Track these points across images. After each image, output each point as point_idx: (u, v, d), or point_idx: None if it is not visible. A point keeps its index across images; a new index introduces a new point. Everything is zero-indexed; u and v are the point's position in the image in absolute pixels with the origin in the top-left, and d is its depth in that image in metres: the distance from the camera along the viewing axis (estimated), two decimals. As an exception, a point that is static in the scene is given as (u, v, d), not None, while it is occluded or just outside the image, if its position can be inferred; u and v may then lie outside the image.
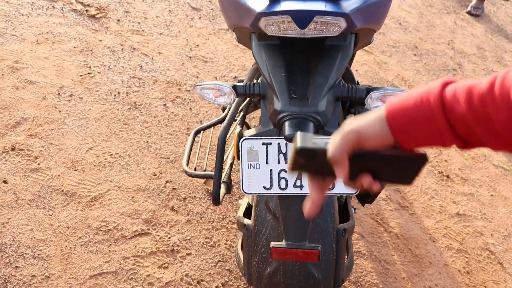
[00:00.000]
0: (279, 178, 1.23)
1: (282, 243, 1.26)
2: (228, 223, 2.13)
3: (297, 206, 1.26)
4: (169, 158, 2.37)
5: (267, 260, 1.38)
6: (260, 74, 1.52)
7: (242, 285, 1.91)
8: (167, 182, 2.24)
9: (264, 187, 1.23)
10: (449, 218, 2.42)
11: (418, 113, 0.67)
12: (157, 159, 2.35)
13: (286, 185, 1.22)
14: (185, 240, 2.02)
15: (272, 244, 1.26)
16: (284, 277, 1.36)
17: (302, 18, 1.21)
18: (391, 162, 0.71)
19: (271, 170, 1.22)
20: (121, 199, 2.11)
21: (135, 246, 1.95)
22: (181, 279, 1.88)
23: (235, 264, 1.98)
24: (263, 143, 1.21)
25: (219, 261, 1.97)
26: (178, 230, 2.05)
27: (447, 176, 2.66)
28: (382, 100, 1.29)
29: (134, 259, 1.90)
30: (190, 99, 2.73)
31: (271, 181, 1.23)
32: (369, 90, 1.30)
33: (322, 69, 1.26)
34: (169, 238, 2.01)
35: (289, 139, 1.15)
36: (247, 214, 1.51)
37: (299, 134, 0.71)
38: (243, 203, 1.56)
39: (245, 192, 1.24)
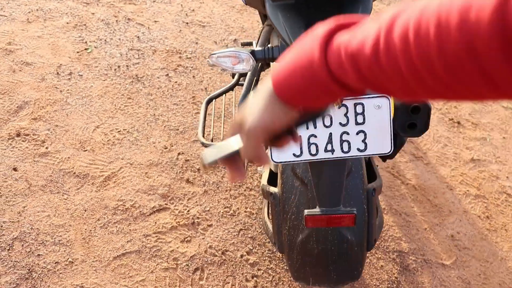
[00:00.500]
0: (309, 144, 1.18)
1: (317, 210, 1.23)
2: (245, 190, 2.11)
3: (329, 171, 1.22)
4: (178, 129, 2.32)
5: (298, 227, 1.36)
6: (269, 37, 1.46)
7: (266, 252, 1.91)
8: (179, 154, 2.21)
9: (294, 155, 1.18)
10: (464, 165, 2.40)
11: (304, 83, 0.62)
12: (166, 131, 2.30)
13: (317, 150, 1.18)
14: (205, 212, 2.00)
15: (306, 212, 1.23)
16: (317, 243, 1.34)
17: None
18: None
19: (300, 136, 1.17)
20: (135, 176, 2.08)
21: (155, 223, 1.93)
22: (205, 252, 1.87)
23: (257, 231, 1.97)
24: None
25: (241, 229, 1.96)
26: (196, 202, 2.03)
27: (458, 123, 2.63)
28: None
29: (156, 236, 1.89)
30: (192, 67, 2.66)
31: (301, 148, 1.18)
32: None
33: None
34: (188, 211, 1.99)
35: None
36: (271, 181, 1.48)
37: (204, 152, 0.74)
38: (265, 171, 1.53)
39: (274, 162, 1.20)
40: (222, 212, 2.01)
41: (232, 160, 0.73)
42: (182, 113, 2.40)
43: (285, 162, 1.20)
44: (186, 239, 1.90)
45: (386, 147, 1.16)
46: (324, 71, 0.58)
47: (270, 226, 1.51)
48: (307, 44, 0.62)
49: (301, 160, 1.19)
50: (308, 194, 1.32)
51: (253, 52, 1.27)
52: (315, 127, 1.17)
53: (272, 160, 1.20)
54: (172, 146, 2.24)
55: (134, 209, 1.96)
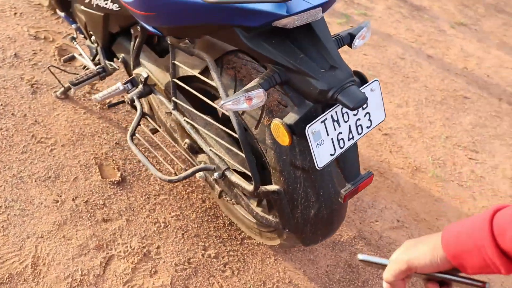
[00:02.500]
0: (338, 140, 1.42)
1: (350, 186, 1.44)
2: (155, 199, 2.18)
3: (349, 153, 1.45)
4: (49, 176, 2.12)
5: (309, 206, 1.59)
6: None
7: (216, 240, 2.11)
8: (73, 199, 2.07)
9: (331, 154, 1.38)
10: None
11: (468, 242, 0.68)
12: (40, 185, 2.08)
13: (344, 142, 1.40)
14: (143, 238, 2.02)
15: (343, 191, 1.43)
16: (327, 209, 1.63)
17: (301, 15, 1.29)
18: (450, 283, 0.77)
19: (332, 138, 1.37)
20: (57, 246, 1.91)
21: (116, 276, 1.89)
22: (176, 271, 1.95)
23: (194, 228, 2.12)
24: (321, 122, 1.33)
25: (182, 234, 2.08)
26: (129, 234, 2.02)
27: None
28: (362, 38, 1.47)
29: (128, 286, 1.88)
30: (2, 104, 2.31)
31: (334, 147, 1.39)
32: (351, 34, 1.45)
33: (324, 37, 1.34)
34: (131, 246, 1.99)
35: (357, 107, 1.27)
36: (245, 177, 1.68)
37: (362, 255, 0.90)
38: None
39: (319, 168, 1.39)
40: (156, 229, 2.07)
41: (381, 269, 0.86)
42: (38, 157, 2.17)
43: (326, 163, 1.40)
44: (152, 271, 1.94)
45: (382, 116, 1.49)
46: (488, 233, 0.66)
47: (270, 217, 1.72)
48: (477, 222, 0.70)
49: (335, 156, 1.41)
50: (312, 177, 1.58)
51: (260, 85, 1.34)
52: (339, 126, 1.40)
53: (317, 166, 1.39)
54: (60, 196, 2.06)
55: (86, 277, 1.86)
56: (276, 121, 1.33)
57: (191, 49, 1.56)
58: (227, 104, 1.29)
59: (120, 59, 2.03)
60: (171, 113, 1.98)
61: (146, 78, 1.79)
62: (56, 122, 2.37)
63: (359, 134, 1.44)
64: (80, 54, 2.26)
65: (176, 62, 1.66)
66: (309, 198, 1.59)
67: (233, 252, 2.08)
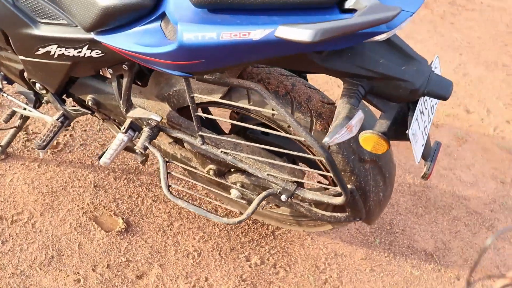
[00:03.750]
0: (424, 128, 1.36)
1: (430, 163, 1.39)
2: (178, 228, 1.99)
3: None
4: (51, 256, 1.80)
5: (378, 191, 1.54)
6: None
7: (182, 237, 2.02)
8: (94, 269, 1.80)
9: (422, 145, 1.33)
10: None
11: None
12: (49, 270, 1.76)
13: (427, 128, 1.36)
14: (187, 277, 1.86)
15: (427, 170, 1.38)
16: (390, 185, 1.64)
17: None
18: None
19: (422, 130, 1.36)
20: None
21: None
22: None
23: (139, 243, 2.00)
24: (416, 120, 1.28)
25: (219, 253, 1.96)
26: (170, 279, 1.84)
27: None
28: None
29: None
30: None
31: (423, 136, 1.34)
32: None
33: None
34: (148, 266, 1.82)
35: (450, 95, 1.24)
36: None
37: None
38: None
39: (418, 162, 1.37)
40: (193, 261, 1.91)
41: None
42: (24, 241, 1.82)
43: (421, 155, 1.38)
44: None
45: None
46: None
47: (339, 215, 1.67)
48: None
49: (424, 144, 1.38)
50: (379, 164, 1.53)
51: (352, 105, 1.25)
52: (424, 115, 1.36)
53: (418, 162, 1.35)
54: (77, 273, 1.78)
55: None
56: (369, 134, 1.26)
57: (225, 79, 1.36)
58: (334, 140, 1.18)
59: (88, 101, 1.71)
60: (175, 143, 1.76)
61: (160, 121, 1.55)
62: (16, 191, 1.98)
63: (433, 114, 1.42)
64: (24, 108, 1.86)
65: (195, 94, 1.45)
66: (378, 184, 1.57)
67: (273, 249, 2.01)
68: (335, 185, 1.57)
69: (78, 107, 1.77)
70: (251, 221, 2.08)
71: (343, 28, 1.02)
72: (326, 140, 1.18)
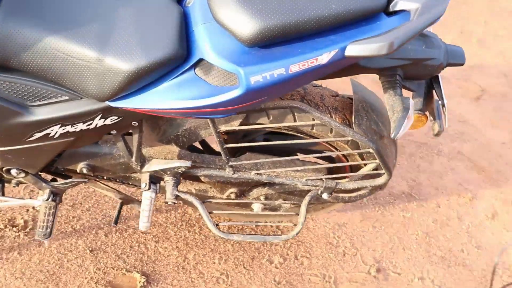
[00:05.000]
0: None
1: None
2: (194, 259, 1.93)
3: None
4: None
5: (393, 151, 1.69)
6: None
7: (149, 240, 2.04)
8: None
9: None
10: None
11: None
12: None
13: None
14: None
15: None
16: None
17: None
18: None
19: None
20: None
21: None
22: None
23: (113, 255, 2.00)
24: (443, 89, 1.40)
25: (244, 267, 1.96)
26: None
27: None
28: None
29: None
30: None
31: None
32: None
33: None
34: None
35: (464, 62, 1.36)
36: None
37: None
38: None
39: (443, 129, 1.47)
40: (226, 285, 1.89)
41: None
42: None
43: None
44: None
45: None
46: None
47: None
48: None
49: None
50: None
51: (399, 95, 1.33)
52: None
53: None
54: None
55: None
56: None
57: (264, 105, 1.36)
58: (401, 133, 1.25)
59: (82, 170, 1.57)
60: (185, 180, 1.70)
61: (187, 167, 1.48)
62: (13, 284, 1.77)
63: None
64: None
65: (221, 127, 1.42)
66: (393, 153, 1.67)
67: (286, 244, 2.06)
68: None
69: (69, 180, 1.61)
70: (246, 227, 2.08)
71: (413, 32, 1.08)
72: (395, 135, 1.24)
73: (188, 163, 1.45)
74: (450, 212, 2.28)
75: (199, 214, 2.07)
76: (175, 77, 1.20)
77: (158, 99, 1.21)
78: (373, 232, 2.15)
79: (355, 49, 1.08)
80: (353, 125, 1.47)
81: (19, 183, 1.67)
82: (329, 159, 1.76)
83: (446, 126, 1.42)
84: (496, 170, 2.53)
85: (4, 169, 1.54)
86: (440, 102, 1.55)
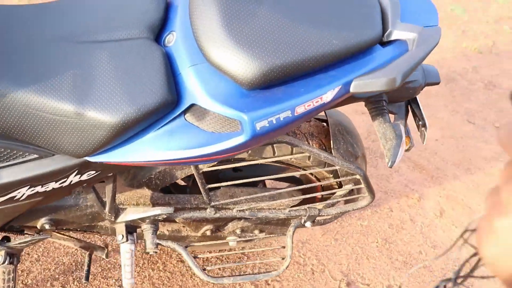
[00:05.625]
0: None
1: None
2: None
3: None
4: None
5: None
6: None
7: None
8: None
9: None
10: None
11: None
12: None
13: None
14: None
15: None
16: None
17: None
18: None
19: None
20: None
21: None
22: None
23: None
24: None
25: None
26: None
27: None
28: None
29: None
30: None
31: None
32: None
33: None
34: None
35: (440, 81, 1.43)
36: None
37: None
38: None
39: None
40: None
41: None
42: None
43: None
44: None
45: None
46: None
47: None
48: None
49: None
50: None
51: (386, 120, 1.31)
52: None
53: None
54: None
55: None
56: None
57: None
58: (396, 162, 1.25)
59: (44, 226, 1.42)
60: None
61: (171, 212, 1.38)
62: None
63: None
64: None
65: (202, 168, 1.34)
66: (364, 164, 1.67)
67: (255, 269, 2.00)
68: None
69: (29, 238, 1.44)
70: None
71: (415, 62, 1.07)
72: (391, 163, 1.23)
73: (170, 209, 1.35)
74: (403, 215, 2.34)
75: (147, 253, 1.95)
76: (163, 125, 1.10)
77: (145, 151, 1.11)
78: (336, 245, 2.15)
79: (361, 85, 1.04)
80: (332, 150, 1.44)
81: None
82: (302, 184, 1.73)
83: (424, 144, 1.44)
84: (435, 168, 2.63)
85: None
86: (420, 122, 1.57)
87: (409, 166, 2.62)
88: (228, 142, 1.06)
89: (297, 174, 1.51)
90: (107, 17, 1.15)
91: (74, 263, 1.86)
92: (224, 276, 1.46)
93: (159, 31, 1.15)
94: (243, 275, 1.49)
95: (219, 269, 1.93)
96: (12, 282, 1.42)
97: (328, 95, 1.06)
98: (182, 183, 1.76)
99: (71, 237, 1.59)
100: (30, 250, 1.87)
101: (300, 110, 1.05)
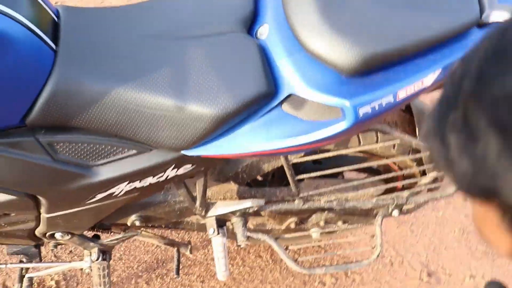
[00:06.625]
0: None
1: None
2: None
3: None
4: None
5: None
6: None
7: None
8: None
9: None
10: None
11: None
12: None
13: None
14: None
15: None
16: None
17: None
18: None
19: None
20: None
21: None
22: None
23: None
24: None
25: None
26: None
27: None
28: None
29: None
30: None
31: None
32: None
33: None
34: None
35: None
36: None
37: None
38: None
39: None
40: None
41: None
42: None
43: None
44: None
45: None
46: None
47: None
48: None
49: None
50: None
51: None
52: None
53: None
54: None
55: None
56: None
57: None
58: None
59: (135, 222, 1.44)
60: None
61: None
62: None
63: None
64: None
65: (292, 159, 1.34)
66: None
67: (334, 261, 1.98)
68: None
69: (120, 235, 1.47)
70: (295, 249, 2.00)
71: None
72: None
73: (261, 202, 1.36)
74: (479, 204, 2.28)
75: (238, 246, 1.96)
76: (261, 116, 1.10)
77: (242, 142, 1.11)
78: (412, 236, 2.12)
79: None
80: (418, 137, 1.42)
81: (58, 244, 1.53)
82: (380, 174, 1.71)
83: None
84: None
85: (47, 234, 1.39)
86: None
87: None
88: (329, 130, 1.06)
89: (380, 163, 1.49)
90: (198, 13, 1.16)
91: (155, 261, 1.89)
92: (317, 267, 1.45)
93: (250, 24, 1.15)
94: (335, 265, 1.48)
95: (309, 260, 1.93)
96: (107, 277, 1.46)
97: (429, 79, 1.04)
98: (260, 178, 1.76)
99: (156, 234, 1.61)
100: (113, 250, 1.91)
101: (401, 95, 1.03)
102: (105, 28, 1.12)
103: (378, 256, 1.47)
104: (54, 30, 1.06)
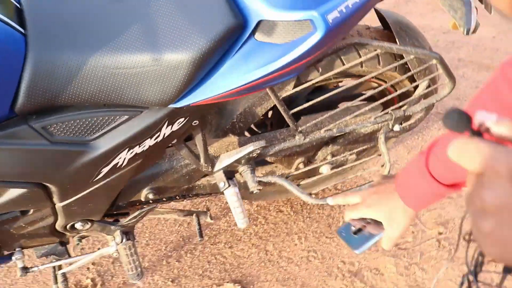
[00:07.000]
0: None
1: None
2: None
3: None
4: None
5: None
6: None
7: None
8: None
9: None
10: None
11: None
12: None
13: None
14: (286, 280, 1.77)
15: None
16: None
17: None
18: None
19: None
20: None
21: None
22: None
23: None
24: None
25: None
26: None
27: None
28: None
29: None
30: None
31: None
32: None
33: None
34: None
35: None
36: None
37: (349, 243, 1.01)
38: None
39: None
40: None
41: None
42: None
43: None
44: None
45: None
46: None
47: None
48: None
49: None
50: None
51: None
52: None
53: None
54: None
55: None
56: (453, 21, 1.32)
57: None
58: (472, 29, 1.22)
59: (148, 196, 1.47)
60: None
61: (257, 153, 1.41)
62: None
63: None
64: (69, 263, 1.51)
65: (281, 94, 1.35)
66: None
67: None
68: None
69: (137, 212, 1.49)
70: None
71: None
72: (467, 29, 1.20)
73: (262, 143, 1.37)
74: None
75: (257, 205, 1.99)
76: (237, 51, 1.12)
77: (226, 80, 1.13)
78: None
79: None
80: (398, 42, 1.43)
81: (81, 238, 1.56)
82: (379, 95, 1.72)
83: (491, 14, 1.40)
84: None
85: (68, 226, 1.42)
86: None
87: (473, 68, 2.55)
88: (304, 45, 1.08)
89: (372, 92, 1.49)
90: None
91: (181, 239, 1.92)
92: (327, 197, 1.46)
93: None
94: (346, 190, 1.49)
95: (323, 190, 1.94)
96: (135, 255, 1.49)
97: (387, -31, 1.04)
98: (260, 132, 1.78)
99: (174, 209, 1.64)
100: (138, 237, 1.94)
101: (366, -10, 1.04)
102: (67, 3, 1.14)
103: (389, 171, 1.47)
104: (19, 15, 1.09)
